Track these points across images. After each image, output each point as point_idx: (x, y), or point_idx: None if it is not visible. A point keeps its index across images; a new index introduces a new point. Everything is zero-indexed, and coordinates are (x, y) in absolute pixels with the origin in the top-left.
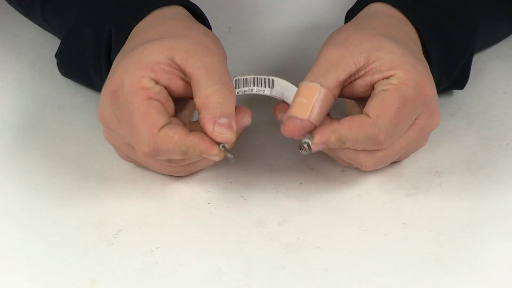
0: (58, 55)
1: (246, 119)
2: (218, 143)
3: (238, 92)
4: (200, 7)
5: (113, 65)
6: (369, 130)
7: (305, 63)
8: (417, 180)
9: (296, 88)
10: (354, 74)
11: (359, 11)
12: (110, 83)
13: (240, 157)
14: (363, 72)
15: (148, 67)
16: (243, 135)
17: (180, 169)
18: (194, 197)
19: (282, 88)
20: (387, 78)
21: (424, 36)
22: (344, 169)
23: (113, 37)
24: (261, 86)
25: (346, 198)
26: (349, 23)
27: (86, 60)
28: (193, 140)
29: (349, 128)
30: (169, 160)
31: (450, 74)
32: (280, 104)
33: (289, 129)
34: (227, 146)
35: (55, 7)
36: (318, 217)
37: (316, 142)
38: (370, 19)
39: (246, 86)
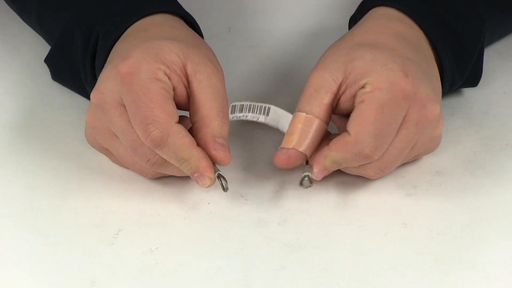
0: (48, 59)
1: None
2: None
3: (233, 118)
4: (197, 11)
5: (118, 51)
6: (353, 148)
7: (305, 63)
8: (417, 180)
9: (291, 116)
10: (337, 92)
11: (361, 16)
12: (123, 65)
13: (240, 157)
14: (344, 87)
15: (165, 63)
16: (243, 135)
17: (153, 172)
18: (194, 197)
19: (278, 116)
20: (362, 87)
21: (431, 36)
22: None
23: (99, 40)
24: (256, 113)
25: (346, 198)
26: (342, 36)
27: (76, 63)
28: (198, 153)
29: (336, 150)
30: (149, 160)
31: (463, 71)
32: None
33: (277, 159)
34: (222, 174)
35: (52, 7)
36: (318, 217)
37: (316, 172)
38: (361, 25)
39: (242, 112)
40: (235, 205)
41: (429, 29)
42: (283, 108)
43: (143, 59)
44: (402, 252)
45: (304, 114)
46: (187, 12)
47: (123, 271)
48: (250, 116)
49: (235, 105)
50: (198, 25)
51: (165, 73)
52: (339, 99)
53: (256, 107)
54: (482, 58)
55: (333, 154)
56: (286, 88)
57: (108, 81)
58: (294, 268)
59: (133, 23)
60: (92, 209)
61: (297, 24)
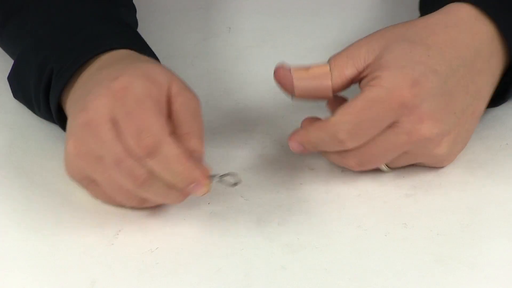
0: (9, 77)
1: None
2: (213, 176)
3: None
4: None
5: (100, 71)
6: (330, 129)
7: (305, 63)
8: (417, 180)
9: None
10: (362, 71)
11: (433, 6)
12: (115, 83)
13: (240, 157)
14: (368, 70)
15: (155, 83)
16: (243, 135)
17: (138, 199)
18: (194, 197)
19: None
20: (373, 79)
21: (507, 34)
22: (344, 169)
23: (53, 76)
24: None
25: (346, 198)
26: (407, 21)
27: (30, 90)
28: (191, 164)
29: (314, 130)
30: (134, 175)
31: None
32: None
33: (278, 74)
34: (222, 174)
35: (12, 32)
36: (318, 217)
37: (292, 143)
38: (429, 19)
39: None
40: (235, 205)
41: (506, 28)
42: (282, 109)
43: (136, 76)
44: (402, 252)
45: (328, 67)
46: (145, 44)
47: (123, 271)
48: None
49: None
50: (157, 57)
51: (156, 94)
52: (360, 80)
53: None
54: None
55: (310, 133)
56: None
57: (97, 100)
58: (294, 268)
59: (87, 60)
60: (92, 209)
61: (297, 24)
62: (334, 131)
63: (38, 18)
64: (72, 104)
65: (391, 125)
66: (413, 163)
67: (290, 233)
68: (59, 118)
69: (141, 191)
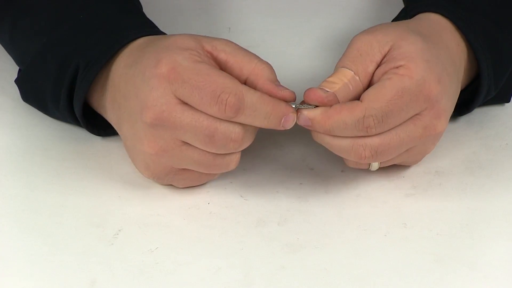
0: (18, 81)
1: None
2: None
3: None
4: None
5: (134, 67)
6: (357, 114)
7: (305, 63)
8: (417, 180)
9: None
10: (380, 64)
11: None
12: (160, 68)
13: (240, 157)
14: (384, 60)
15: (190, 49)
16: None
17: (237, 158)
18: (193, 197)
19: None
20: (397, 67)
21: (474, 45)
22: (344, 169)
23: (80, 72)
24: None
25: (346, 198)
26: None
27: (45, 90)
28: (274, 100)
29: (336, 113)
30: (231, 137)
31: (498, 83)
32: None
33: (314, 94)
34: (296, 105)
35: (25, 31)
36: (318, 217)
37: (300, 120)
38: (414, 21)
39: None
40: (235, 205)
41: (473, 39)
42: None
43: (173, 53)
44: (402, 252)
45: (352, 72)
46: (161, 32)
47: (123, 271)
48: None
49: None
50: None
51: (198, 56)
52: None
53: None
54: None
55: (333, 114)
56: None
57: (153, 93)
58: (294, 268)
59: (115, 52)
60: (92, 209)
61: (298, 24)
62: (362, 116)
63: (53, 17)
64: (115, 105)
65: (412, 117)
66: (400, 161)
67: (290, 233)
68: (83, 116)
69: (238, 147)
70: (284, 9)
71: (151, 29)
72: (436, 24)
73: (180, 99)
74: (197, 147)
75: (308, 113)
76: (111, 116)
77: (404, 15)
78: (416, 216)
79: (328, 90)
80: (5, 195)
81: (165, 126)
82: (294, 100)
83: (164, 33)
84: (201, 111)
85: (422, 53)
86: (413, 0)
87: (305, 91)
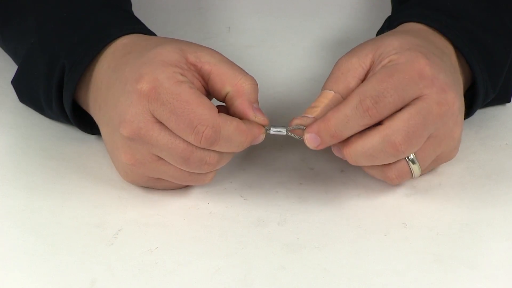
0: (13, 81)
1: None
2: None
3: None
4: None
5: (116, 74)
6: (354, 99)
7: (305, 63)
8: (417, 180)
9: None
10: (364, 78)
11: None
12: (141, 85)
13: (239, 157)
14: (370, 73)
15: (173, 65)
16: None
17: (213, 173)
18: (193, 197)
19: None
20: (384, 62)
21: (463, 50)
22: (344, 169)
23: (66, 71)
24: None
25: (346, 198)
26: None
27: (38, 90)
28: (249, 128)
29: (336, 110)
30: (206, 161)
31: (496, 84)
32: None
33: (296, 123)
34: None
35: (14, 30)
36: (318, 217)
37: (310, 137)
38: (392, 31)
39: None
40: (235, 205)
41: (461, 44)
42: (281, 108)
43: (155, 70)
44: (402, 252)
45: (332, 92)
46: (146, 28)
47: (123, 271)
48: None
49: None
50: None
51: (181, 74)
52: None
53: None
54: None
55: (335, 114)
56: (285, 88)
57: (131, 108)
58: (294, 268)
59: (99, 51)
60: (92, 209)
61: (298, 24)
62: (358, 100)
63: (39, 16)
64: (96, 106)
65: (419, 97)
66: (438, 153)
67: (290, 233)
68: (73, 115)
69: (213, 168)
70: (284, 9)
71: (134, 26)
72: (422, 31)
73: (158, 119)
74: (175, 164)
75: (309, 129)
76: (93, 114)
77: (388, 25)
78: (416, 216)
79: (309, 116)
80: (5, 195)
81: (142, 141)
82: (267, 124)
83: (149, 30)
84: (179, 136)
85: (402, 46)
86: (397, 10)
87: (290, 122)
